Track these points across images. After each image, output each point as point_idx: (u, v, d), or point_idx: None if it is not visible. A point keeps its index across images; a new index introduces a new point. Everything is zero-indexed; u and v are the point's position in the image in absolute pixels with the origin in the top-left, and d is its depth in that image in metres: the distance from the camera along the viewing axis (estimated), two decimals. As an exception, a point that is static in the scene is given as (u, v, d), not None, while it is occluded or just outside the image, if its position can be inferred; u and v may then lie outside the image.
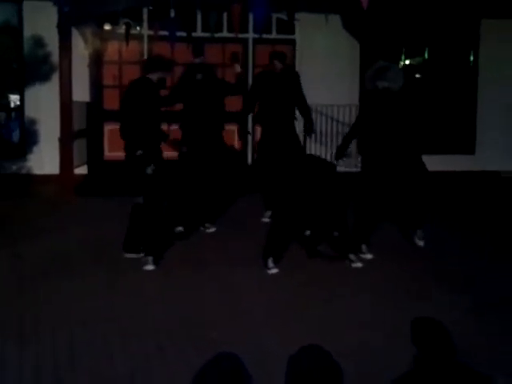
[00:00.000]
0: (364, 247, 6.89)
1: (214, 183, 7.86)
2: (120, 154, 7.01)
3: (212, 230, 7.88)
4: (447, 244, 7.52)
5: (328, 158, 11.68)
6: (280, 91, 8.29)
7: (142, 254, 6.49)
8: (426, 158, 7.20)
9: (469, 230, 8.26)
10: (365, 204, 6.92)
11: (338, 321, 5.08)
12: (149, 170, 6.32)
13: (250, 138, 12.01)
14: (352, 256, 6.58)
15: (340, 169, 10.76)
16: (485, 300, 5.62)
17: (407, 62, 12.65)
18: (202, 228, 7.83)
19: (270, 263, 6.30)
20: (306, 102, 8.54)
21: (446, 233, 8.00)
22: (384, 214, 7.46)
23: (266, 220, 8.10)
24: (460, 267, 6.61)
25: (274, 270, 6.26)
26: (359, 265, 6.52)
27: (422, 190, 7.09)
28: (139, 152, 6.33)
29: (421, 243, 7.24)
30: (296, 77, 8.54)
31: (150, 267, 6.29)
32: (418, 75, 12.70)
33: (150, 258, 6.35)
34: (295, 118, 8.56)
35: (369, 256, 6.80)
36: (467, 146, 12.68)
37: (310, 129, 8.63)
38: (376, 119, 6.83)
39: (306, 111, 8.57)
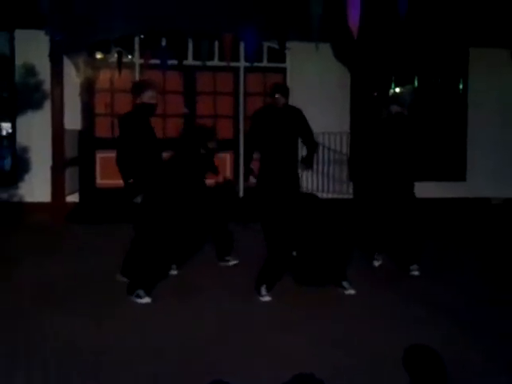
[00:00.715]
0: (376, 254, 7.35)
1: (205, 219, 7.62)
2: (112, 182, 7.02)
3: (234, 262, 7.60)
4: (439, 270, 7.53)
5: (320, 184, 11.77)
6: (282, 127, 7.85)
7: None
8: (418, 185, 7.28)
9: (460, 256, 8.29)
10: (372, 215, 7.05)
11: (332, 347, 5.05)
12: (138, 199, 6.28)
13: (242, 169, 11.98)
14: (345, 283, 6.57)
15: (332, 196, 10.87)
16: (477, 324, 5.62)
17: (397, 89, 12.74)
18: (222, 262, 7.61)
19: (263, 291, 6.29)
20: (312, 137, 8.10)
21: (437, 259, 8.01)
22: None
23: None
24: (452, 292, 6.62)
25: (267, 298, 6.24)
26: (352, 292, 6.51)
27: (412, 220, 7.19)
28: (130, 180, 6.29)
29: (416, 273, 7.23)
30: (298, 113, 8.01)
31: (144, 300, 6.16)
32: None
33: (142, 292, 6.19)
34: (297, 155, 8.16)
35: (377, 263, 7.25)
36: (458, 173, 12.76)
37: (308, 162, 8.07)
38: (384, 145, 7.00)
39: (311, 146, 8.10)
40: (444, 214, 11.11)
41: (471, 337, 5.31)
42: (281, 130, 7.83)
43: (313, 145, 8.10)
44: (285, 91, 7.91)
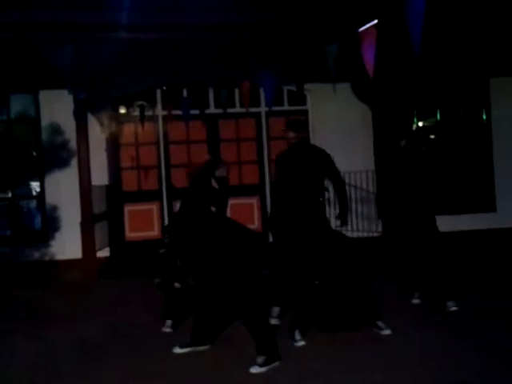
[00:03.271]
0: (416, 294, 7.30)
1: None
2: (140, 234, 7.04)
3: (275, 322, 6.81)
4: (479, 305, 7.36)
5: (348, 224, 11.69)
6: (297, 169, 6.87)
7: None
8: (448, 219, 7.22)
9: (500, 290, 8.10)
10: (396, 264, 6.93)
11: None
12: None
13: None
14: (380, 323, 6.47)
15: (361, 234, 10.80)
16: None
17: (420, 123, 12.73)
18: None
19: (297, 335, 6.22)
20: (340, 181, 7.01)
21: (476, 294, 7.84)
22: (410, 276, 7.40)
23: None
24: (484, 331, 6.44)
25: (301, 343, 6.17)
26: (388, 332, 6.41)
27: (438, 255, 7.11)
28: None
29: (454, 309, 7.08)
30: (321, 152, 6.92)
31: (178, 350, 6.11)
32: (432, 136, 12.77)
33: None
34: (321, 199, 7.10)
35: (415, 301, 7.07)
36: (488, 204, 12.63)
37: (343, 218, 7.06)
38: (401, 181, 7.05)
39: (341, 193, 7.01)
40: (477, 246, 10.95)
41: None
42: (295, 172, 6.87)
43: (342, 191, 7.01)
44: (293, 125, 7.02)
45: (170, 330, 6.88)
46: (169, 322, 6.94)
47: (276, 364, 5.56)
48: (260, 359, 5.56)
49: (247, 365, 5.54)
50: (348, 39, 5.51)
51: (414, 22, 4.62)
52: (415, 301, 7.54)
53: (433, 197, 7.31)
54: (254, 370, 5.50)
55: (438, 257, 7.21)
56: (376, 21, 5.17)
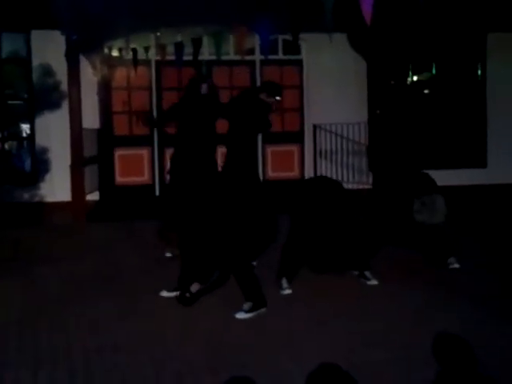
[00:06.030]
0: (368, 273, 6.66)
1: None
2: (131, 180, 7.01)
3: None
4: (467, 259, 7.37)
5: (339, 174, 11.71)
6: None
7: None
8: (438, 173, 7.18)
9: (487, 245, 8.17)
10: (376, 222, 6.86)
11: (352, 339, 5.02)
12: None
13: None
14: (367, 273, 6.52)
15: (352, 186, 10.80)
16: (499, 312, 5.56)
17: (415, 77, 12.65)
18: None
19: (284, 283, 6.26)
20: None
21: (464, 248, 7.87)
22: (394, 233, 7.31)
23: None
24: (474, 282, 6.54)
25: (288, 291, 6.21)
26: (375, 282, 6.47)
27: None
28: None
29: (456, 265, 6.98)
30: None
31: (165, 294, 6.16)
32: (426, 91, 12.70)
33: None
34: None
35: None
36: (479, 160, 12.65)
37: None
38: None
39: None
40: (466, 201, 10.99)
41: (500, 324, 5.25)
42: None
43: None
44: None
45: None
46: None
47: (262, 311, 5.61)
48: (246, 305, 5.61)
49: (233, 310, 5.59)
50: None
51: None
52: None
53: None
54: (240, 315, 5.55)
55: None
56: (376, -32, 5.06)
